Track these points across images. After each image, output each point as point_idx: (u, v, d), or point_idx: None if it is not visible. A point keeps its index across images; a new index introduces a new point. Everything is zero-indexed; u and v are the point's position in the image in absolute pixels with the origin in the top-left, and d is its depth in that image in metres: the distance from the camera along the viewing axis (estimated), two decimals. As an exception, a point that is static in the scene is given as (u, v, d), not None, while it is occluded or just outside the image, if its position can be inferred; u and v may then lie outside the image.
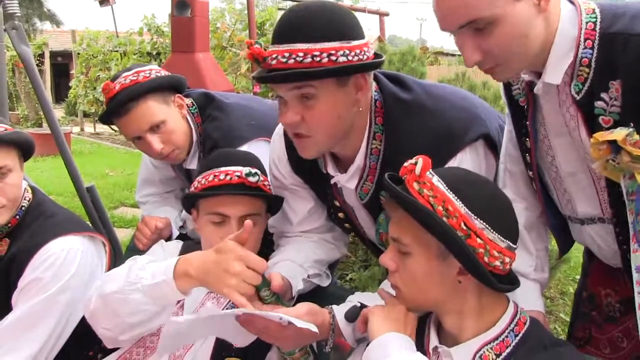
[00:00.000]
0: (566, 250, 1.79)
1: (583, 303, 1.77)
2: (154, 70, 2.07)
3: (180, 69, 5.43)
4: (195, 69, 5.50)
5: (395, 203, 1.30)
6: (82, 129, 14.65)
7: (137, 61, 10.75)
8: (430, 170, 1.28)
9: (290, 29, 1.46)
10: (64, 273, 1.80)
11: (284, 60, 1.44)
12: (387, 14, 7.32)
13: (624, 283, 1.58)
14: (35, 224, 1.88)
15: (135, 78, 2.00)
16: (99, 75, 11.42)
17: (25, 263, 1.80)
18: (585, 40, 1.32)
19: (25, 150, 1.90)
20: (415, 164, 1.27)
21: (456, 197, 1.24)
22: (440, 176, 1.27)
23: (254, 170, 1.73)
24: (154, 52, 10.76)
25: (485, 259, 1.23)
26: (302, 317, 1.48)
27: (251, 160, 1.80)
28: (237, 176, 1.71)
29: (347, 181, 1.70)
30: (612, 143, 1.26)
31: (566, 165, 1.50)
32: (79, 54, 12.35)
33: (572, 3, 1.37)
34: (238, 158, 1.79)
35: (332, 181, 1.73)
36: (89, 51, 11.79)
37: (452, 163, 1.57)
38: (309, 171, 1.72)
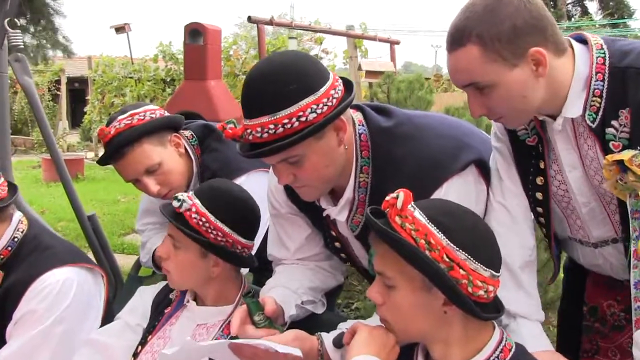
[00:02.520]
0: (558, 274, 1.91)
1: (585, 317, 1.84)
2: (148, 112, 2.07)
3: (192, 97, 5.53)
4: (207, 96, 5.57)
5: (378, 237, 1.31)
6: (96, 155, 14.78)
7: (151, 88, 10.89)
8: (412, 203, 1.30)
9: (254, 102, 1.47)
10: (59, 304, 1.79)
11: (259, 135, 1.45)
12: (398, 42, 7.37)
13: (626, 293, 1.60)
14: (31, 256, 1.87)
15: (129, 122, 2.00)
16: (113, 102, 11.57)
17: (20, 295, 1.79)
18: (596, 73, 1.44)
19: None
20: (397, 197, 1.29)
21: (438, 230, 1.25)
22: (422, 209, 1.29)
23: (180, 197, 1.67)
24: (168, 79, 10.91)
25: (469, 289, 1.25)
26: (289, 344, 1.48)
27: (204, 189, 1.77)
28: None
29: (338, 214, 1.71)
30: (620, 163, 1.37)
31: (580, 197, 1.58)
32: (94, 80, 12.53)
33: (584, 40, 1.49)
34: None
35: (324, 214, 1.74)
36: (104, 77, 11.96)
37: (438, 193, 1.57)
38: (303, 201, 1.72)
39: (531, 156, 1.61)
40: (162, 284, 1.94)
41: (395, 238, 1.26)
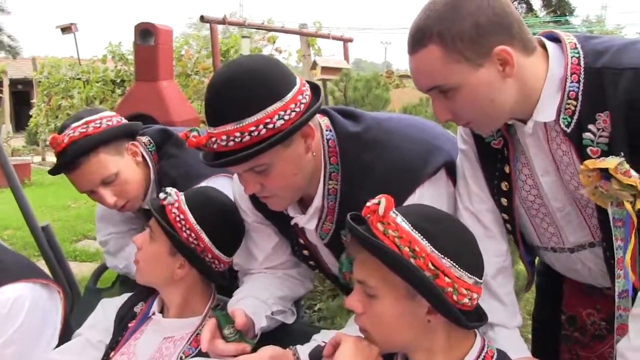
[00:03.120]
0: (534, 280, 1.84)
1: (563, 326, 1.79)
2: (104, 119, 1.97)
3: (143, 98, 5.40)
4: (158, 97, 5.44)
5: (359, 244, 1.27)
6: (43, 159, 14.34)
7: (100, 89, 10.57)
8: (394, 209, 1.25)
9: (219, 109, 1.41)
10: (8, 326, 1.66)
11: (224, 143, 1.40)
12: (351, 40, 7.39)
13: (605, 301, 1.60)
14: None
15: (84, 130, 1.91)
16: (60, 104, 11.19)
17: None
18: (571, 74, 1.35)
19: None
20: (378, 203, 1.24)
21: (422, 237, 1.22)
22: (404, 215, 1.25)
23: (169, 190, 1.71)
24: (118, 80, 10.61)
25: (454, 297, 1.22)
26: None
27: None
28: None
29: (306, 222, 1.67)
30: (603, 171, 1.29)
31: (555, 202, 1.52)
32: (40, 82, 12.10)
33: (557, 39, 1.42)
34: None
35: (292, 222, 1.69)
36: (50, 79, 11.56)
37: (412, 199, 1.54)
38: (270, 209, 1.66)
39: (496, 160, 1.55)
40: (125, 296, 1.86)
41: (378, 245, 1.21)
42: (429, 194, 1.56)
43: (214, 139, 1.41)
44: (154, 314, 1.76)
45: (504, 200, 1.57)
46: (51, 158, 14.21)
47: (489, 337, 1.53)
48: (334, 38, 7.21)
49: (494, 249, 1.61)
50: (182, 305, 1.73)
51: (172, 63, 6.23)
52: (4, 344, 1.66)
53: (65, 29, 12.01)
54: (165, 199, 1.68)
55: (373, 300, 1.27)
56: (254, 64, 1.46)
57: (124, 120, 2.05)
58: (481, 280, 1.28)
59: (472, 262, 1.27)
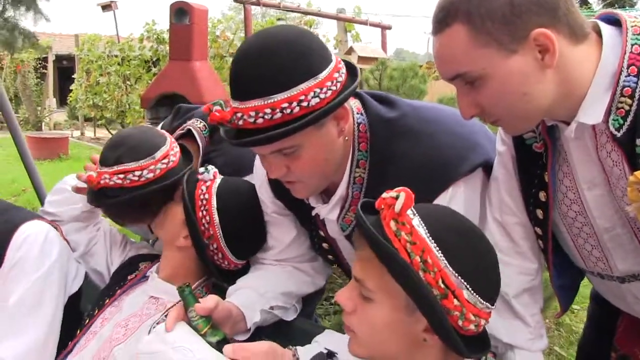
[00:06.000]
0: (568, 307, 1.63)
1: None
2: (145, 170, 1.66)
3: (176, 77, 5.39)
4: (191, 77, 5.43)
5: (364, 240, 1.12)
6: (82, 133, 14.61)
7: (136, 68, 10.66)
8: (412, 208, 1.10)
9: (247, 82, 1.27)
10: (49, 250, 1.73)
11: (251, 120, 1.26)
12: (389, 27, 7.23)
13: None
14: None
15: (120, 182, 1.67)
16: (99, 80, 11.35)
17: (3, 247, 1.69)
18: (628, 66, 1.11)
19: None
20: (396, 197, 1.09)
21: (437, 248, 1.06)
22: (423, 217, 1.10)
23: (210, 168, 1.71)
24: (155, 59, 10.67)
25: (460, 322, 1.07)
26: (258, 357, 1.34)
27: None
28: None
29: (328, 212, 1.55)
30: None
31: (602, 221, 1.30)
32: (81, 58, 12.30)
33: (618, 22, 1.18)
34: None
35: (314, 212, 1.58)
36: (89, 56, 11.73)
37: (444, 196, 1.40)
38: (291, 198, 1.56)
39: (537, 166, 1.34)
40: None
41: (386, 250, 1.07)
42: (463, 195, 1.41)
43: (240, 115, 1.28)
44: (151, 273, 1.76)
45: (539, 212, 1.37)
46: (90, 133, 14.49)
47: (508, 357, 1.40)
48: (372, 24, 7.07)
49: (521, 266, 1.45)
50: (171, 275, 1.70)
51: (207, 43, 6.19)
52: (51, 267, 1.72)
53: (105, 7, 12.17)
54: (202, 173, 1.67)
55: (367, 302, 1.14)
56: (289, 35, 1.31)
57: (174, 159, 1.73)
58: (493, 307, 1.13)
59: (489, 287, 1.12)
